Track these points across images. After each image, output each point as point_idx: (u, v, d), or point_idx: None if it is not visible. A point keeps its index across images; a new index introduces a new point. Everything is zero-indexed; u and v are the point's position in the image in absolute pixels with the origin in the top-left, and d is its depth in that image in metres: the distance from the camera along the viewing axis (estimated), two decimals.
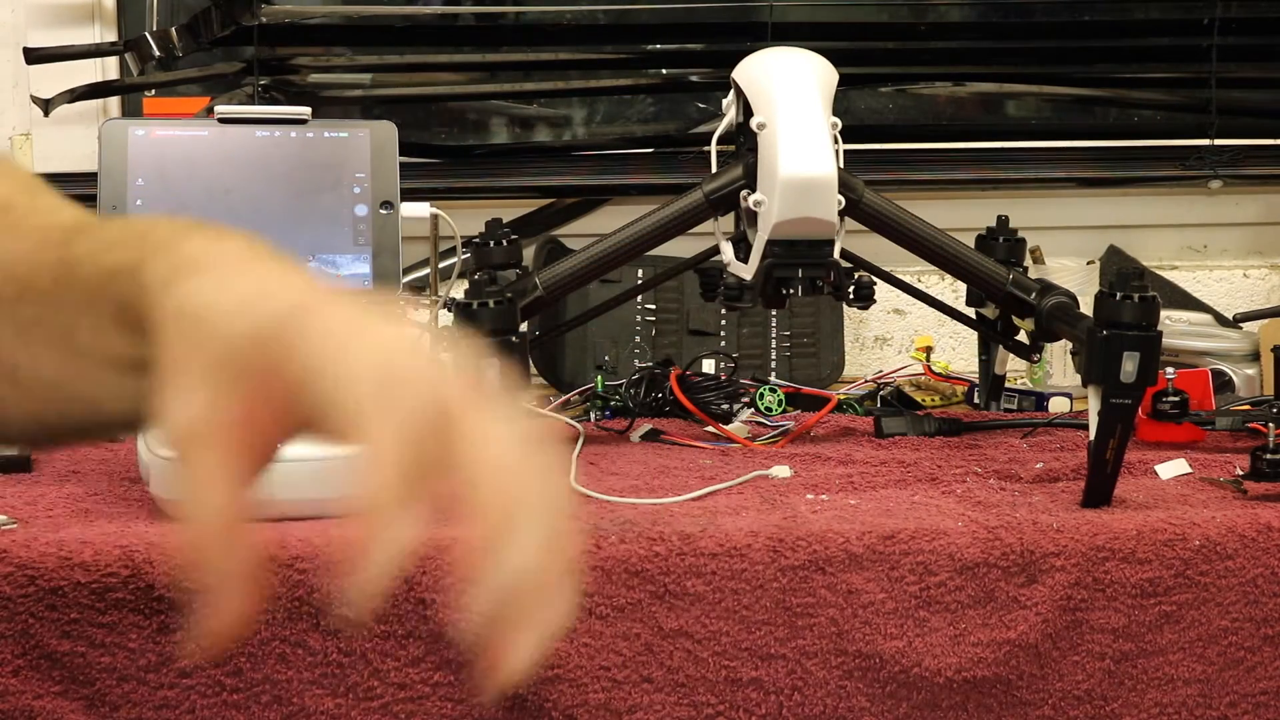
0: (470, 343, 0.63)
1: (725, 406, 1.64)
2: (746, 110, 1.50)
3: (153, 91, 2.11)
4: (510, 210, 2.01)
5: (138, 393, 0.63)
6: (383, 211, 1.62)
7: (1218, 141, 2.20)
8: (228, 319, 0.58)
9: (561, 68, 2.25)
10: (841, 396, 1.74)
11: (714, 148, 1.55)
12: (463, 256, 1.72)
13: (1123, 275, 1.33)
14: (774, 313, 1.96)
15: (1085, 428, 1.39)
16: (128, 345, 0.63)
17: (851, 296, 1.51)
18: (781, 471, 1.43)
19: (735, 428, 1.60)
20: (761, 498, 1.35)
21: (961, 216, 1.88)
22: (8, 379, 0.67)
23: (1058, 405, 1.72)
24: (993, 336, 1.68)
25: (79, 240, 0.66)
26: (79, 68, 2.06)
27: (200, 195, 1.60)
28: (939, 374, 1.85)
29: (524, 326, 1.48)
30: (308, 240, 1.60)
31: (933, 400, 1.80)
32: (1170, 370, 1.52)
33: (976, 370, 1.77)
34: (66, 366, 0.65)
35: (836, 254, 1.48)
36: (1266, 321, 1.84)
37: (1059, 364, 1.89)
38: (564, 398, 1.74)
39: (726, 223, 1.55)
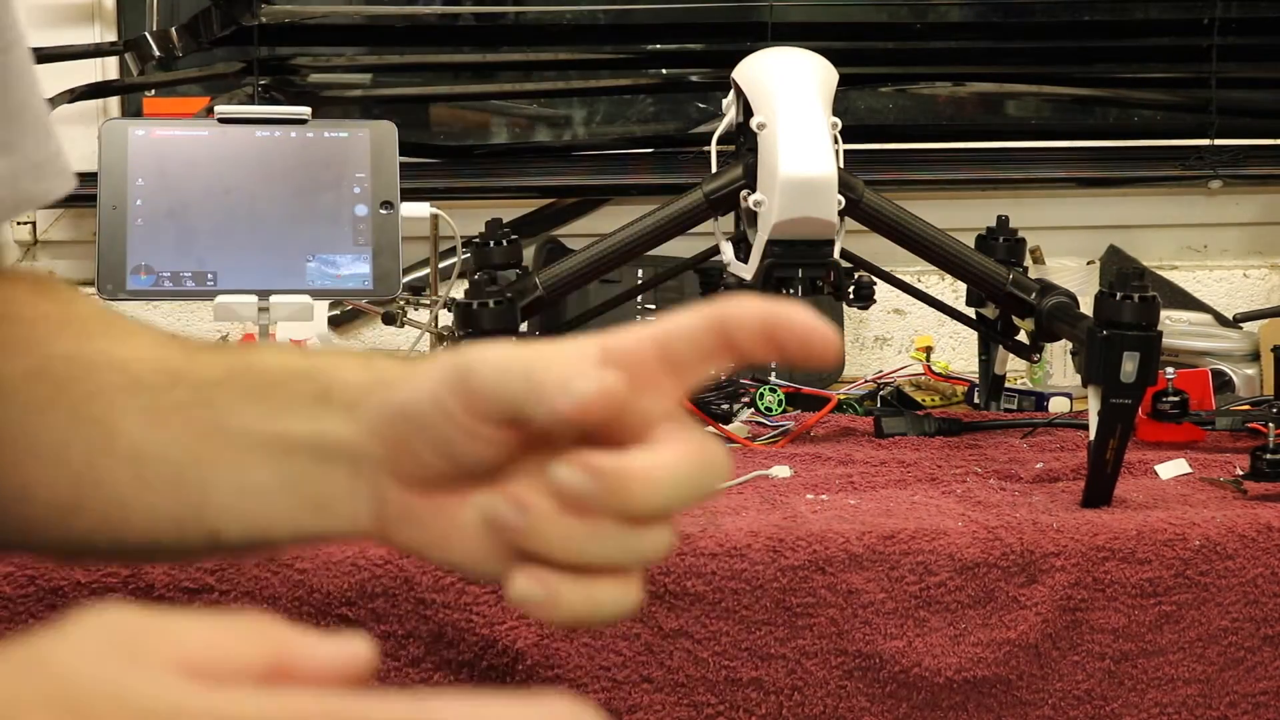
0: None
1: (725, 406, 1.64)
2: (746, 110, 1.50)
3: (153, 91, 2.11)
4: (510, 210, 2.01)
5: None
6: (383, 211, 1.62)
7: (1218, 141, 2.20)
8: None
9: (561, 68, 2.25)
10: (841, 396, 1.74)
11: (714, 148, 1.55)
12: (463, 256, 1.72)
13: (1123, 275, 1.33)
14: None
15: (1085, 428, 1.39)
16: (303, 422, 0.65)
17: (851, 296, 1.51)
18: (781, 471, 1.43)
19: (735, 428, 1.60)
20: (761, 498, 1.35)
21: (961, 216, 1.88)
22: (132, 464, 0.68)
23: (1058, 405, 1.72)
24: (993, 336, 1.68)
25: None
26: (79, 68, 2.06)
27: (200, 195, 1.60)
28: (939, 374, 1.85)
29: (524, 326, 1.48)
30: (308, 240, 1.60)
31: (933, 400, 1.80)
32: (1170, 370, 1.52)
33: (976, 370, 1.77)
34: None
35: (836, 254, 1.48)
36: (1266, 321, 1.84)
37: (1059, 364, 1.89)
38: None
39: (726, 223, 1.55)
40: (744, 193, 1.48)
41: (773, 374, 1.93)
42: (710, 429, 1.60)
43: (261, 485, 0.67)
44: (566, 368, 0.58)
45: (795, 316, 0.59)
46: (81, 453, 0.69)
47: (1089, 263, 2.03)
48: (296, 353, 0.70)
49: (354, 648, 0.44)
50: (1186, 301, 2.12)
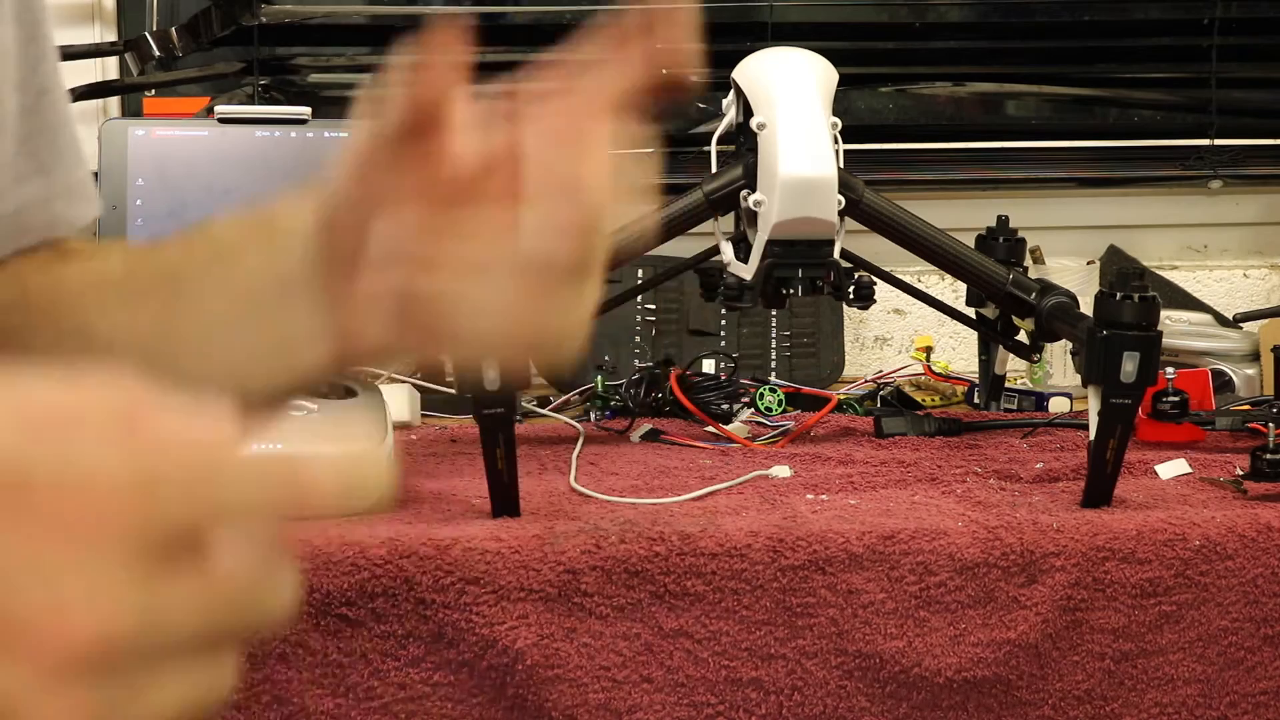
0: None
1: (725, 406, 1.64)
2: (746, 110, 1.50)
3: (153, 91, 2.11)
4: None
5: None
6: None
7: (1218, 141, 2.20)
8: None
9: None
10: (841, 396, 1.74)
11: (714, 148, 1.55)
12: None
13: (1123, 275, 1.33)
14: (774, 313, 1.96)
15: (1085, 428, 1.39)
16: None
17: (851, 296, 1.51)
18: (781, 471, 1.43)
19: (735, 428, 1.60)
20: (761, 498, 1.35)
21: (961, 216, 1.88)
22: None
23: (1058, 405, 1.72)
24: (993, 336, 1.68)
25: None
26: (79, 68, 2.06)
27: (200, 195, 1.60)
28: (939, 374, 1.85)
29: None
30: None
31: (933, 400, 1.80)
32: (1170, 370, 1.52)
33: (976, 370, 1.77)
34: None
35: (836, 254, 1.48)
36: (1266, 321, 1.84)
37: (1059, 364, 1.89)
38: (564, 398, 1.74)
39: (726, 223, 1.55)
40: (744, 193, 1.48)
41: (773, 374, 1.93)
42: (710, 428, 1.60)
43: (230, 334, 0.68)
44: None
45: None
46: (64, 362, 0.70)
47: (1089, 263, 2.03)
48: (247, 211, 0.72)
49: (215, 416, 0.44)
50: (1186, 301, 2.12)
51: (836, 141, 1.48)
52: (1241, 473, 1.39)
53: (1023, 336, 1.62)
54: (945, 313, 1.71)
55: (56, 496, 0.41)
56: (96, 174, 1.59)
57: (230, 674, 0.44)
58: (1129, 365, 1.31)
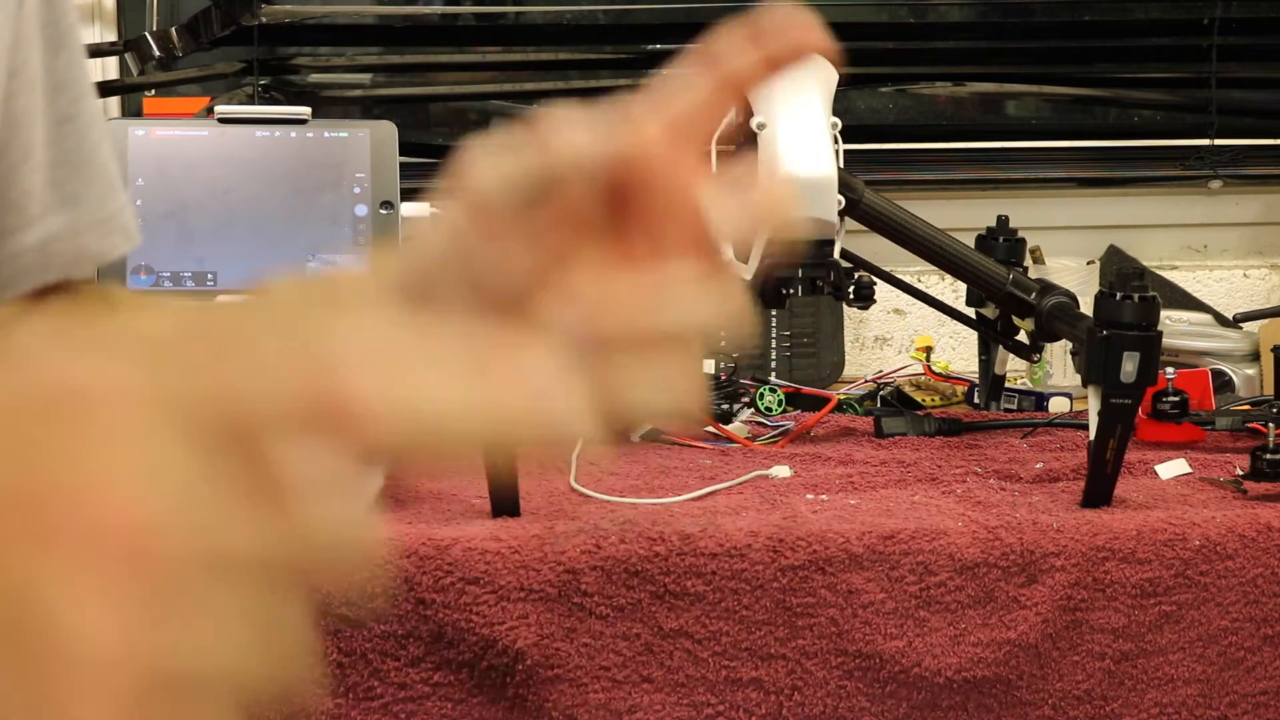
0: None
1: (725, 406, 1.64)
2: (746, 110, 1.50)
3: (153, 91, 2.11)
4: None
5: None
6: (383, 211, 1.62)
7: (1218, 141, 2.20)
8: None
9: (561, 68, 2.25)
10: (841, 396, 1.74)
11: (714, 148, 1.54)
12: None
13: (1123, 275, 1.33)
14: (774, 313, 1.96)
15: (1085, 428, 1.39)
16: None
17: (851, 296, 1.51)
18: (781, 471, 1.43)
19: (735, 428, 1.60)
20: (761, 498, 1.35)
21: (961, 216, 1.88)
22: None
23: (1058, 405, 1.72)
24: (993, 336, 1.68)
25: None
26: None
27: (200, 195, 1.60)
28: (939, 374, 1.85)
29: None
30: (308, 240, 1.60)
31: (933, 400, 1.80)
32: (1170, 370, 1.52)
33: (976, 370, 1.77)
34: None
35: (836, 254, 1.48)
36: (1266, 321, 1.84)
37: (1059, 364, 1.89)
38: None
39: None
40: None
41: (773, 374, 1.93)
42: (710, 428, 1.60)
43: None
44: (575, 135, 0.52)
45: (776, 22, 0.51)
46: None
47: (1089, 263, 2.03)
48: (308, 277, 0.69)
49: None
50: (1186, 301, 2.12)
51: (836, 141, 1.48)
52: (1241, 473, 1.39)
53: (1023, 336, 1.62)
54: (945, 313, 1.71)
55: (80, 381, 0.37)
56: None
57: (296, 637, 0.38)
58: (1129, 365, 1.31)
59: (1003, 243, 1.64)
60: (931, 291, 1.86)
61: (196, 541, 0.36)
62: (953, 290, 2.00)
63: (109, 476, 0.36)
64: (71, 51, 0.76)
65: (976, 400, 1.76)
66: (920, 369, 1.86)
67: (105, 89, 2.08)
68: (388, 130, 1.64)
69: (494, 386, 0.39)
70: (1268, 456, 1.36)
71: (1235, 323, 1.82)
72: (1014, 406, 1.73)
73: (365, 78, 2.21)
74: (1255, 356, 1.88)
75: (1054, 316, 1.50)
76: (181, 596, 0.36)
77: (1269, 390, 1.76)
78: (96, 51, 2.08)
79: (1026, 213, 1.93)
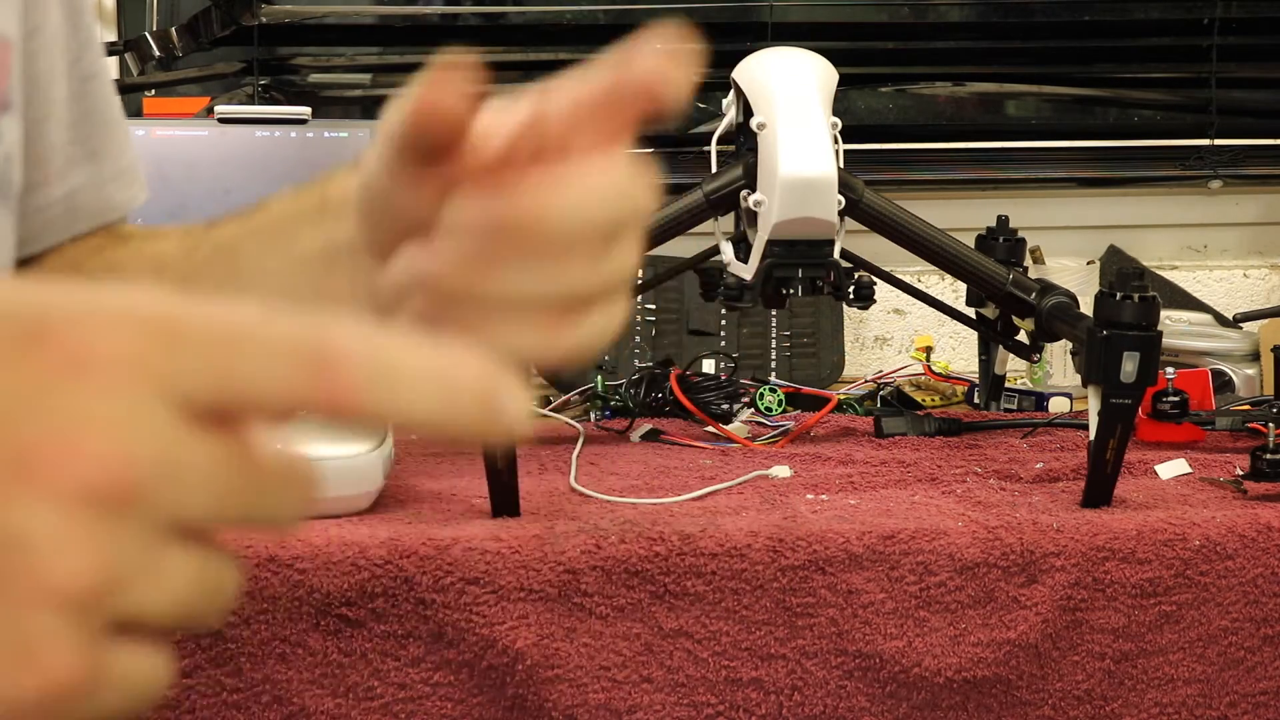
0: None
1: (725, 406, 1.64)
2: (746, 110, 1.50)
3: (153, 91, 2.11)
4: None
5: None
6: None
7: (1218, 141, 2.21)
8: None
9: (561, 67, 2.25)
10: (841, 396, 1.74)
11: (714, 148, 1.55)
12: None
13: (1123, 275, 1.33)
14: (774, 313, 1.96)
15: (1085, 428, 1.39)
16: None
17: (851, 296, 1.51)
18: (781, 471, 1.43)
19: (735, 428, 1.60)
20: (761, 498, 1.35)
21: (961, 216, 1.88)
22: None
23: (1058, 405, 1.72)
24: (993, 336, 1.68)
25: None
26: None
27: (200, 195, 1.60)
28: (939, 374, 1.85)
29: None
30: None
31: (933, 400, 1.80)
32: (1170, 370, 1.52)
33: (976, 370, 1.77)
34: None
35: (836, 254, 1.48)
36: (1266, 321, 1.84)
37: (1059, 364, 1.89)
38: (564, 398, 1.74)
39: (726, 223, 1.55)
40: (744, 193, 1.48)
41: (773, 374, 1.93)
42: (710, 428, 1.60)
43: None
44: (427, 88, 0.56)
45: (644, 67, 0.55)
46: None
47: (1089, 263, 2.03)
48: (302, 186, 0.71)
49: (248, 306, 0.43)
50: (1186, 301, 2.12)
51: (836, 141, 1.48)
52: (1241, 473, 1.39)
53: (1023, 336, 1.63)
54: (945, 313, 1.71)
55: (76, 336, 0.40)
56: None
57: (230, 586, 0.43)
58: (1129, 365, 1.31)
59: (1003, 243, 1.64)
60: (931, 291, 1.86)
61: (167, 500, 0.40)
62: (953, 290, 2.00)
63: (97, 428, 0.39)
64: (92, 10, 0.79)
65: (976, 400, 1.76)
66: (920, 369, 1.86)
67: None
68: None
69: (456, 364, 0.42)
70: (1268, 456, 1.36)
71: (1235, 323, 1.82)
72: (1014, 406, 1.73)
73: (365, 78, 2.21)
74: (1255, 356, 1.88)
75: (1054, 316, 1.50)
76: (145, 547, 0.40)
77: (1269, 390, 1.76)
78: None
79: (1026, 213, 1.93)
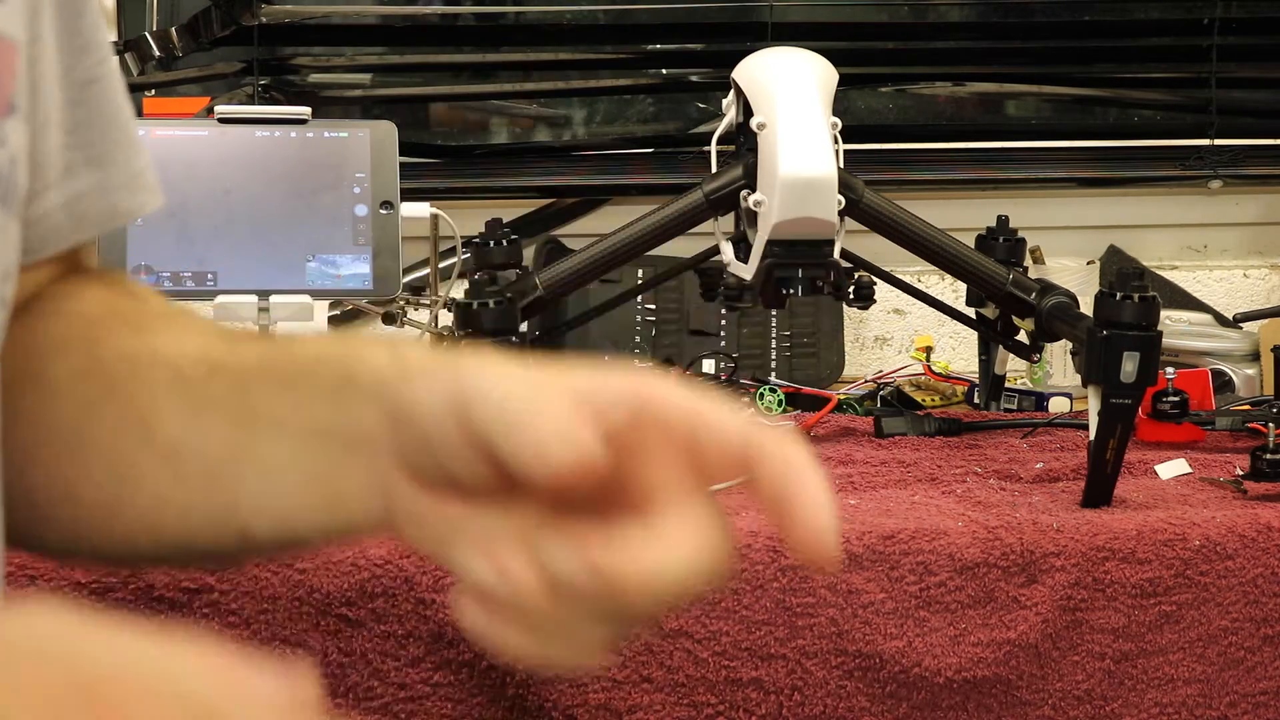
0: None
1: None
2: (746, 110, 1.50)
3: (153, 91, 2.11)
4: (510, 210, 2.01)
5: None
6: (383, 211, 1.62)
7: (1218, 141, 2.21)
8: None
9: (561, 68, 2.25)
10: (841, 396, 1.74)
11: (714, 148, 1.55)
12: (463, 256, 1.72)
13: (1123, 275, 1.33)
14: (774, 313, 1.96)
15: (1085, 428, 1.39)
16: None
17: (851, 296, 1.51)
18: None
19: None
20: None
21: (961, 216, 1.88)
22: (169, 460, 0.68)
23: (1058, 405, 1.72)
24: (993, 336, 1.68)
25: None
26: None
27: (200, 195, 1.60)
28: (939, 374, 1.85)
29: (524, 326, 1.48)
30: (307, 240, 1.60)
31: (933, 400, 1.80)
32: (1170, 370, 1.52)
33: (976, 370, 1.77)
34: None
35: (836, 254, 1.48)
36: (1266, 321, 1.84)
37: (1059, 364, 1.89)
38: None
39: (726, 223, 1.55)
40: (744, 193, 1.48)
41: (773, 374, 1.93)
42: None
43: (288, 479, 0.66)
44: (552, 423, 0.58)
45: (805, 493, 0.61)
46: (125, 450, 0.70)
47: (1089, 263, 2.03)
48: (331, 340, 0.70)
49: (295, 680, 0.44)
50: (1186, 301, 2.12)
51: (836, 141, 1.48)
52: (1241, 473, 1.39)
53: (1023, 336, 1.62)
54: (945, 313, 1.71)
55: (123, 711, 0.41)
56: None
57: None
58: (1129, 365, 1.31)
59: (1003, 243, 1.64)
60: (931, 291, 1.86)
61: None
62: (953, 290, 2.00)
63: None
64: (94, 14, 0.77)
65: (976, 400, 1.76)
66: (920, 369, 1.86)
67: None
68: (388, 130, 1.64)
69: None
70: (1268, 456, 1.36)
71: (1235, 323, 1.82)
72: (1014, 406, 1.73)
73: (365, 78, 2.21)
74: (1255, 356, 1.88)
75: (1054, 316, 1.50)
76: None
77: (1269, 390, 1.76)
78: None
79: (1026, 213, 1.93)
